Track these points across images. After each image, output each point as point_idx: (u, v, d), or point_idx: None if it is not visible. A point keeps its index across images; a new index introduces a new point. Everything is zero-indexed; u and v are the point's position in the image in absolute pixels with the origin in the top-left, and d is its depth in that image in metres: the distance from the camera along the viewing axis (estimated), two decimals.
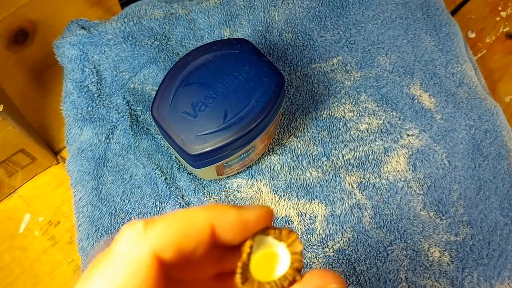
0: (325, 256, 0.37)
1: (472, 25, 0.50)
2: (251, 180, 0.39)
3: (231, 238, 0.16)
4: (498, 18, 0.50)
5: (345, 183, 0.39)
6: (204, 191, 0.39)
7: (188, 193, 0.39)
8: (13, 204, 0.41)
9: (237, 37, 0.43)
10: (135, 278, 0.14)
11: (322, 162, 0.40)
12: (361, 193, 0.39)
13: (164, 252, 0.14)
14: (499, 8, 0.51)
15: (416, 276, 0.36)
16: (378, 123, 0.41)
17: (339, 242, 0.37)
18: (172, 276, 0.16)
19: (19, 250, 0.40)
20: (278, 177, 0.39)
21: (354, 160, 0.40)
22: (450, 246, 0.37)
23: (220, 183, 0.39)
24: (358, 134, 0.41)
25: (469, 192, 0.39)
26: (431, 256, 0.37)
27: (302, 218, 0.38)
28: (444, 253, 0.37)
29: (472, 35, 0.49)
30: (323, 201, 0.38)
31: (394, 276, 0.36)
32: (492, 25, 0.50)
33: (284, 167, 0.40)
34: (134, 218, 0.38)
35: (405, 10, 0.45)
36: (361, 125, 0.41)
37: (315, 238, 0.37)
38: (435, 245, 0.37)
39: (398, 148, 0.40)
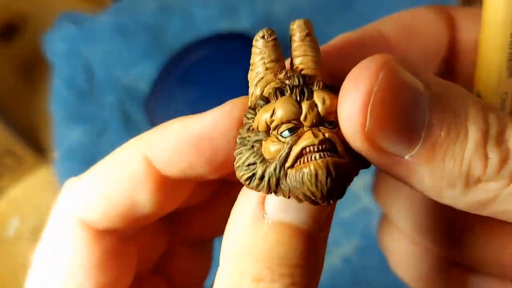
0: (330, 263, 0.36)
1: None
2: None
3: (191, 170, 0.12)
4: None
5: (352, 186, 0.38)
6: None
7: None
8: (1, 208, 0.40)
9: (235, 30, 0.42)
10: None
11: None
12: (369, 196, 0.38)
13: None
14: None
15: None
16: None
17: (345, 248, 0.36)
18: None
19: (7, 255, 0.39)
20: None
21: None
22: None
23: None
24: None
25: None
26: None
27: None
28: None
29: None
30: None
31: (401, 284, 0.35)
32: None
33: None
34: None
35: (414, 5, 0.44)
36: None
37: None
38: None
39: None
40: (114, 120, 0.39)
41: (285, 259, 0.11)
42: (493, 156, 0.10)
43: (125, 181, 0.12)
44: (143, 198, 0.12)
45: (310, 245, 0.11)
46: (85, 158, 0.38)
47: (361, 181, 0.38)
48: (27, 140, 0.40)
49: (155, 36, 0.41)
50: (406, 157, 0.11)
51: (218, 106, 0.12)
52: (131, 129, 0.39)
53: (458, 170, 0.10)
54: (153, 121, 0.36)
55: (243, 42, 0.33)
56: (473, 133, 0.10)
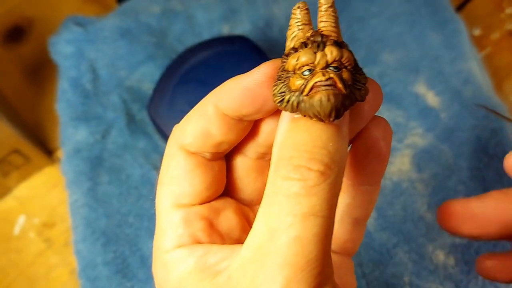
0: None
1: (477, 22, 0.49)
2: None
3: (242, 111, 0.17)
4: (503, 15, 0.49)
5: None
6: None
7: None
8: (8, 205, 0.41)
9: (236, 33, 0.42)
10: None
11: None
12: None
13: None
14: (504, 5, 0.50)
15: (420, 279, 0.36)
16: None
17: None
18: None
19: (14, 252, 0.39)
20: None
21: None
22: (455, 249, 0.37)
23: None
24: None
25: (474, 193, 0.38)
26: (435, 259, 0.36)
27: None
28: (448, 256, 0.36)
29: (477, 32, 0.49)
30: None
31: (397, 280, 0.36)
32: (497, 22, 0.49)
33: None
34: (131, 220, 0.37)
35: (409, 6, 0.45)
36: None
37: None
38: (440, 248, 0.37)
39: (403, 147, 0.40)
40: (118, 120, 0.39)
41: (310, 140, 0.15)
42: None
43: (203, 120, 0.17)
44: (214, 130, 0.17)
45: (328, 132, 0.15)
46: (90, 157, 0.38)
47: None
48: (34, 139, 0.40)
49: (158, 38, 0.42)
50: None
51: (257, 67, 0.17)
52: (134, 129, 0.40)
53: None
54: (156, 121, 0.36)
55: (244, 44, 0.33)
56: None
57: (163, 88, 0.32)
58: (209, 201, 0.18)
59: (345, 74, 0.15)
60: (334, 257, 0.19)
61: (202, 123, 0.17)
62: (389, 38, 0.43)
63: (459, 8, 0.50)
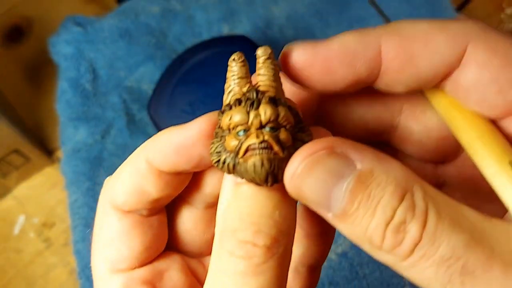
0: (328, 259, 0.36)
1: None
2: None
3: (178, 168, 0.15)
4: (503, 16, 0.50)
5: None
6: None
7: None
8: (7, 205, 0.41)
9: (236, 33, 0.42)
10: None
11: None
12: None
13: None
14: (504, 6, 0.50)
15: None
16: None
17: (341, 245, 0.37)
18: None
19: (13, 252, 0.39)
20: None
21: None
22: None
23: None
24: None
25: None
26: None
27: None
28: None
29: None
30: None
31: (397, 280, 0.36)
32: (497, 23, 0.49)
33: None
34: None
35: (409, 6, 0.45)
36: None
37: None
38: None
39: None
40: (117, 120, 0.39)
41: (255, 209, 0.14)
42: (389, 239, 0.13)
43: (136, 177, 0.16)
44: (149, 187, 0.16)
45: (274, 199, 0.14)
46: (89, 157, 0.38)
47: None
48: (34, 139, 0.40)
49: (158, 39, 0.42)
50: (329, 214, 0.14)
51: (192, 121, 0.15)
52: (134, 129, 0.40)
53: (363, 235, 0.13)
54: (156, 121, 0.36)
55: (244, 44, 0.33)
56: (377, 218, 0.13)
57: (163, 88, 0.33)
58: (150, 261, 0.17)
59: (283, 135, 0.14)
60: None
61: (135, 180, 0.16)
62: None
63: (459, 8, 0.50)
